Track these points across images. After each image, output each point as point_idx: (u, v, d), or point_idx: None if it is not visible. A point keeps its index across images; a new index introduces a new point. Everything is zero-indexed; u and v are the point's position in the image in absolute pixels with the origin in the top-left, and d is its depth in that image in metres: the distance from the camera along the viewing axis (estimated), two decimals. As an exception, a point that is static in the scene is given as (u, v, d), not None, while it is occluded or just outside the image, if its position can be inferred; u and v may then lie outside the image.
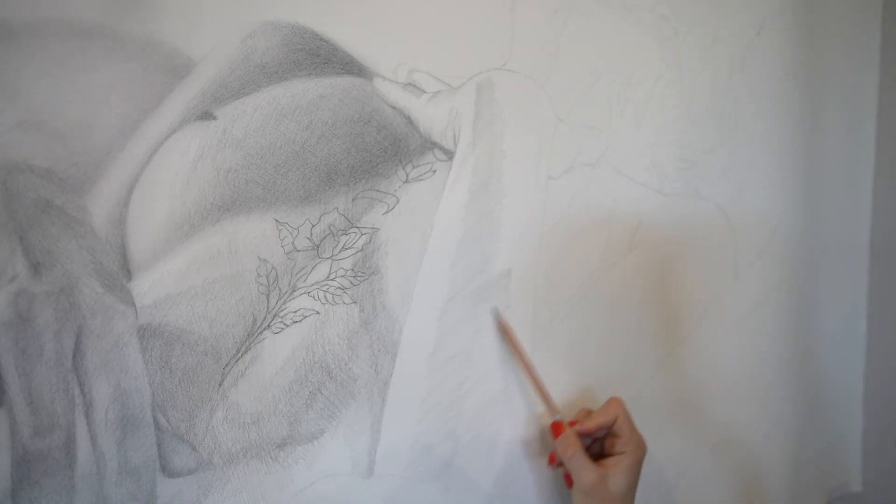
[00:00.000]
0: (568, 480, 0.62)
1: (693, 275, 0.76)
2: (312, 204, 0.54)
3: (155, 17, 0.47)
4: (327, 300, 0.55)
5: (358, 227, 0.56)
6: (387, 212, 0.57)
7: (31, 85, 0.44)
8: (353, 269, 0.56)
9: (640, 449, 0.63)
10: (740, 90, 0.78)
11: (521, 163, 0.63)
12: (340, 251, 0.55)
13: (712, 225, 0.78)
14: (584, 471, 0.59)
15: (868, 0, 0.89)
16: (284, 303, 0.53)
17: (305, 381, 0.54)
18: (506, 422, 0.64)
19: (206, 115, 0.50)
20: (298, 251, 0.54)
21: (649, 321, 0.73)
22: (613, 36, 0.67)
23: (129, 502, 0.48)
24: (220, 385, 0.51)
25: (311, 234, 0.54)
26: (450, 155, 0.59)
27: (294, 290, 0.54)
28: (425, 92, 0.57)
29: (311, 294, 0.54)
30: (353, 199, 0.55)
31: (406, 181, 0.58)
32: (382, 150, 0.56)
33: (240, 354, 0.52)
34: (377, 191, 0.56)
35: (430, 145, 0.59)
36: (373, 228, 0.56)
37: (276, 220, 0.53)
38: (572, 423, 0.63)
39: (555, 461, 0.64)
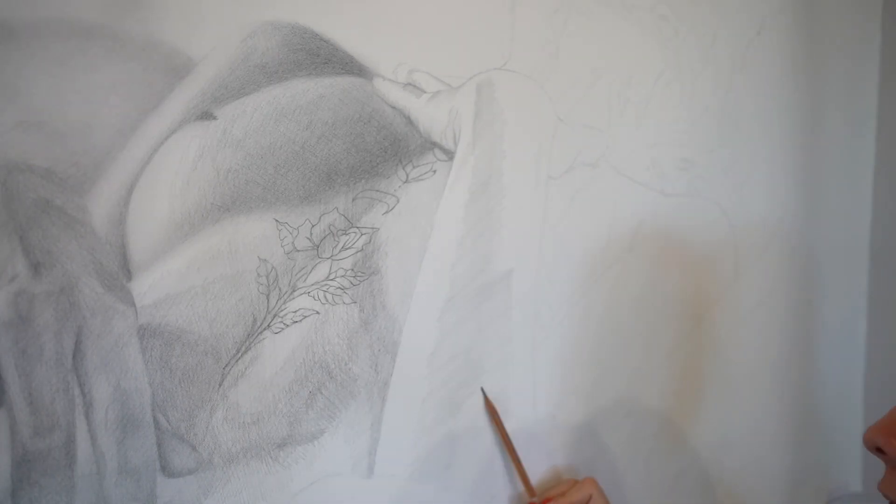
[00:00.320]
0: None
1: (693, 275, 0.76)
2: (312, 204, 0.54)
3: (155, 17, 0.47)
4: (327, 300, 0.55)
5: (358, 227, 0.56)
6: (387, 212, 0.57)
7: (31, 85, 0.44)
8: (353, 269, 0.56)
9: None
10: (740, 90, 0.78)
11: (521, 163, 0.63)
12: (340, 251, 0.55)
13: (713, 225, 0.78)
14: None
15: (868, 0, 0.89)
16: (284, 303, 0.53)
17: (305, 381, 0.54)
18: (505, 422, 0.64)
19: (206, 115, 0.50)
20: (298, 251, 0.54)
21: (649, 321, 0.73)
22: (613, 36, 0.67)
23: (129, 502, 0.48)
24: (220, 385, 0.51)
25: (311, 234, 0.54)
26: (450, 155, 0.59)
27: (294, 290, 0.54)
28: (425, 92, 0.57)
29: (311, 294, 0.54)
30: (353, 199, 0.55)
31: (406, 181, 0.58)
32: (382, 150, 0.56)
33: (240, 354, 0.52)
34: (377, 191, 0.56)
35: (430, 145, 0.59)
36: (373, 228, 0.56)
37: (276, 220, 0.53)
38: (546, 501, 0.63)
39: None
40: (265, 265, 0.52)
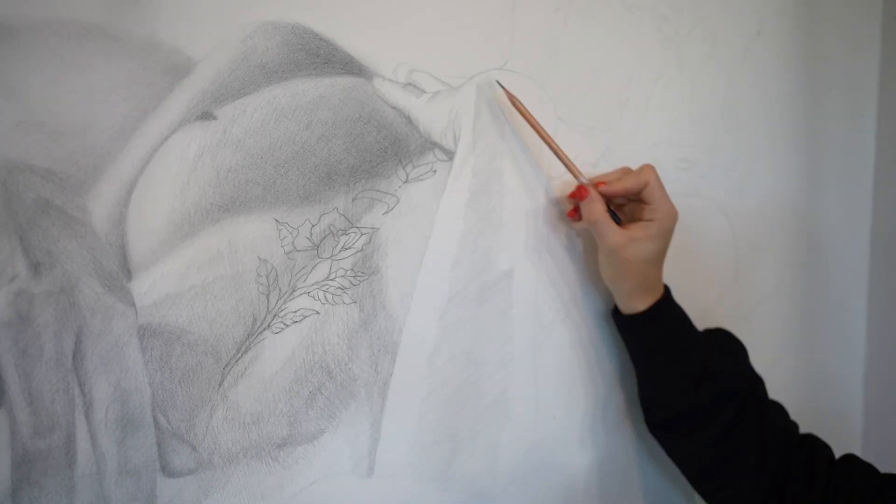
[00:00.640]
0: (574, 213, 0.62)
1: (693, 275, 0.76)
2: (312, 204, 0.54)
3: (155, 16, 0.47)
4: (327, 300, 0.55)
5: (358, 227, 0.56)
6: (387, 212, 0.57)
7: (30, 85, 0.44)
8: (352, 269, 0.56)
9: (670, 218, 0.60)
10: (740, 90, 0.78)
11: (521, 163, 0.63)
12: (340, 251, 0.55)
13: (713, 225, 0.78)
14: (609, 233, 0.58)
15: (868, 0, 0.89)
16: (284, 303, 0.53)
17: (305, 381, 0.54)
18: (506, 422, 0.64)
19: (206, 115, 0.50)
20: (298, 251, 0.54)
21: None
22: (613, 36, 0.67)
23: (129, 502, 0.48)
24: (220, 385, 0.51)
25: (311, 234, 0.54)
26: (450, 155, 0.59)
27: (294, 290, 0.54)
28: (425, 92, 0.57)
29: (311, 294, 0.54)
30: (353, 199, 0.55)
31: (406, 181, 0.58)
32: (382, 150, 0.56)
33: (240, 354, 0.52)
34: (377, 191, 0.56)
35: (430, 145, 0.59)
36: (373, 228, 0.56)
37: (276, 220, 0.53)
38: (598, 185, 0.60)
39: (575, 215, 0.63)
40: (265, 265, 0.52)
